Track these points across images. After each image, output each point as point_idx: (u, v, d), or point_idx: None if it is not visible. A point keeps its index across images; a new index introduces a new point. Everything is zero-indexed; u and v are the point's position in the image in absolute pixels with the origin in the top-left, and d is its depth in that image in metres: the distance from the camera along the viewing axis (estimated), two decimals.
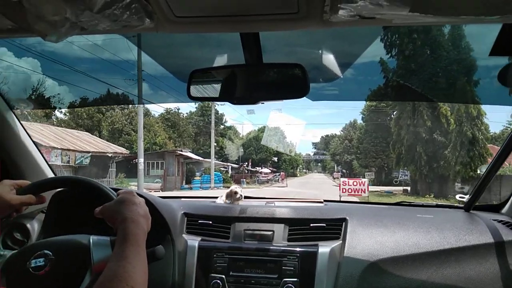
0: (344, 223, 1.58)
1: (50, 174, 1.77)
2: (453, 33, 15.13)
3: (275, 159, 36.28)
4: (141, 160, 15.93)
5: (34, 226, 1.51)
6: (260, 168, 33.22)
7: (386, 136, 25.78)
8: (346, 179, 14.90)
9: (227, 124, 37.55)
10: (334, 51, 1.61)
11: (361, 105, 30.45)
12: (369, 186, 14.34)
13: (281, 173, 32.18)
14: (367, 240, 1.50)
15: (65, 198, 1.46)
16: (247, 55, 1.16)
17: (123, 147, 23.02)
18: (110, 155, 17.67)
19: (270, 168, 34.99)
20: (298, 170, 48.43)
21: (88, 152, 16.19)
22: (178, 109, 32.63)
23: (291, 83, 1.20)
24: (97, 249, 0.95)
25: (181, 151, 24.43)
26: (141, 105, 18.54)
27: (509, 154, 1.61)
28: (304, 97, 1.15)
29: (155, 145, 26.90)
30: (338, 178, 33.34)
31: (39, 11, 0.88)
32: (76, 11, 0.89)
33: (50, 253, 0.95)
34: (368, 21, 0.93)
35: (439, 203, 2.06)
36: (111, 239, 0.97)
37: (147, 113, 29.40)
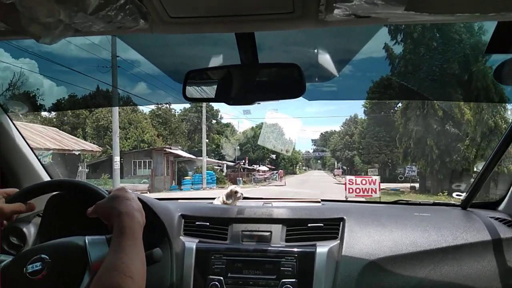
0: (341, 222, 1.66)
1: (47, 178, 1.83)
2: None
3: (273, 156, 36.23)
4: (116, 158, 15.47)
5: (30, 230, 1.57)
6: (257, 166, 33.17)
7: (390, 129, 25.09)
8: (353, 177, 13.36)
9: (224, 121, 37.54)
10: (331, 49, 1.64)
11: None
12: None
13: (279, 171, 32.07)
14: (365, 240, 1.57)
15: (61, 201, 1.51)
16: (243, 55, 1.21)
17: (109, 146, 22.54)
18: (77, 153, 16.29)
19: (268, 166, 34.89)
20: (297, 167, 48.61)
21: (49, 149, 14.44)
22: (170, 104, 32.49)
23: (287, 83, 1.26)
24: (94, 248, 1.00)
25: (170, 148, 24.00)
26: (116, 94, 17.78)
27: (505, 151, 1.68)
28: (300, 97, 1.22)
29: (143, 143, 26.64)
30: (339, 175, 33.19)
31: (32, 13, 0.92)
32: (70, 13, 0.93)
33: (47, 256, 0.99)
34: (363, 20, 0.98)
35: (436, 201, 2.14)
36: (106, 237, 1.02)
37: (134, 109, 29.14)
